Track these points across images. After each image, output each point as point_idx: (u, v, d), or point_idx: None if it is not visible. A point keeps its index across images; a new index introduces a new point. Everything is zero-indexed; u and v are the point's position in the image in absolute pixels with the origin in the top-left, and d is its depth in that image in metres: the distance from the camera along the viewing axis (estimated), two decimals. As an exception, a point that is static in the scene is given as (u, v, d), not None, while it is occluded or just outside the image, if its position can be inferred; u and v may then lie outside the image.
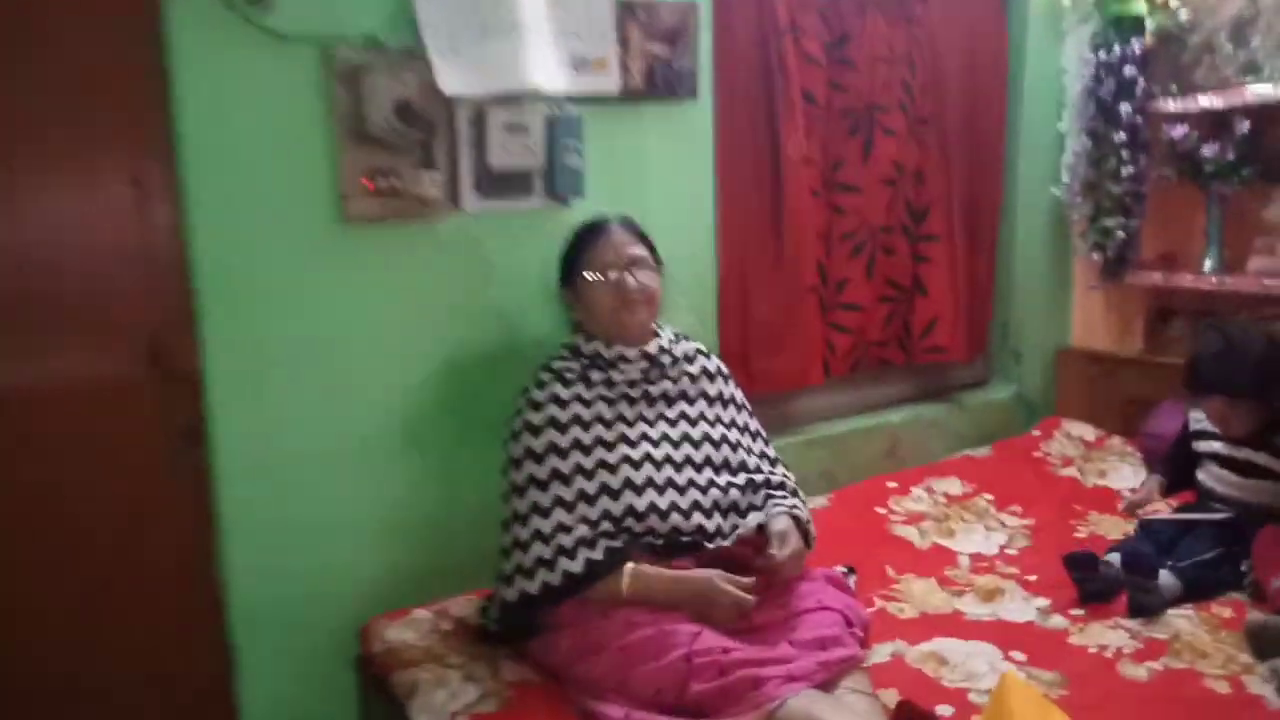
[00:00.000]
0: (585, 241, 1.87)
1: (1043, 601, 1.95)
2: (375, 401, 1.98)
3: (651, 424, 1.82)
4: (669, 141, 2.29)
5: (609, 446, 1.75)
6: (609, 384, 1.82)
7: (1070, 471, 2.72)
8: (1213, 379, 2.06)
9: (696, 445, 1.82)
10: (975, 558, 2.18)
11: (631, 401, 1.83)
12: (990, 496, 2.54)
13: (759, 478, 1.88)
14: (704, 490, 1.78)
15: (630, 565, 1.66)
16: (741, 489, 1.83)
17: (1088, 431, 2.94)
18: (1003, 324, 3.13)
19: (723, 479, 1.81)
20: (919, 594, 2.01)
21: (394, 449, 2.01)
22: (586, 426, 1.77)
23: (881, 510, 2.48)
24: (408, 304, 1.99)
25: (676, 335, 1.95)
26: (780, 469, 1.96)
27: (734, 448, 1.88)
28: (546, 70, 1.99)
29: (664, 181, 2.29)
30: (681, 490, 1.76)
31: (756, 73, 2.45)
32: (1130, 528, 2.27)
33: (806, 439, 2.71)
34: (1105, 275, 2.99)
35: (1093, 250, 2.97)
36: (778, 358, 2.58)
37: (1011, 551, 2.21)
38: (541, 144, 2.01)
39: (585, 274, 1.84)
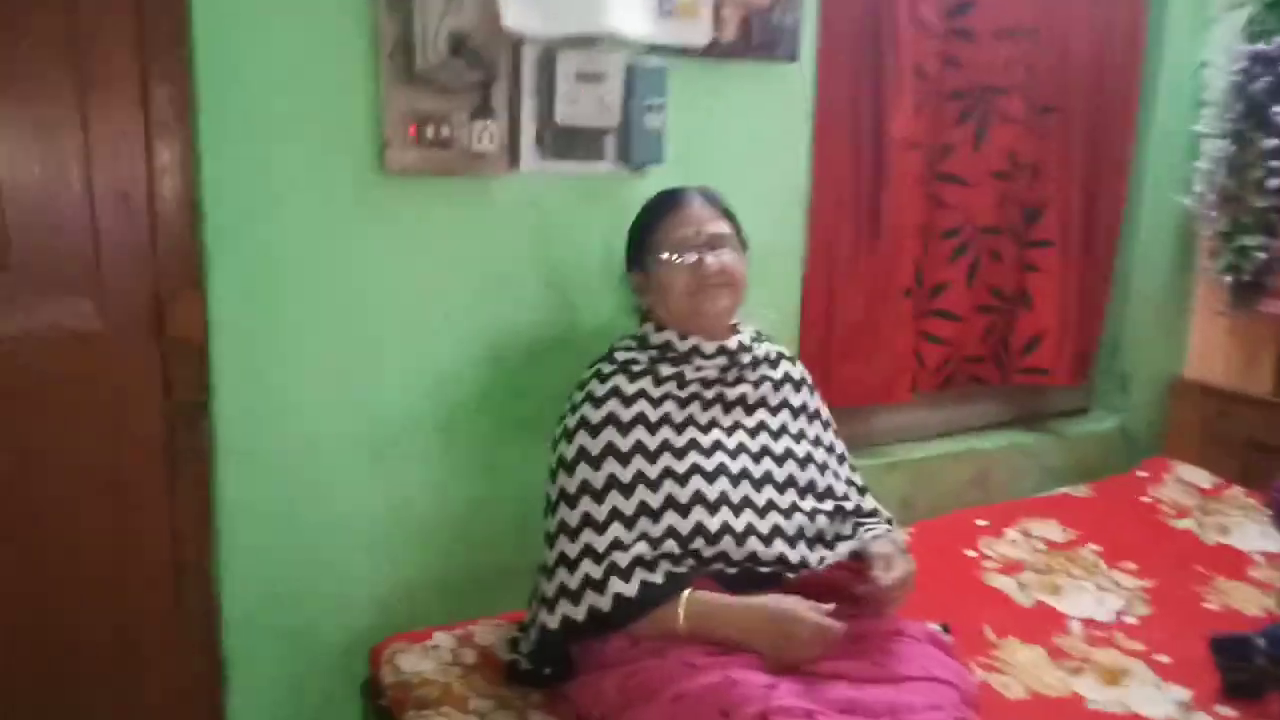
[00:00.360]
0: (659, 216, 1.59)
1: (1181, 692, 1.61)
2: (405, 384, 1.70)
3: (728, 432, 1.54)
4: (763, 109, 1.97)
5: (678, 454, 1.47)
6: (680, 381, 1.54)
7: (1186, 524, 2.36)
8: None
9: (779, 461, 1.54)
10: (1089, 624, 1.85)
11: (705, 404, 1.54)
12: (1097, 547, 2.20)
13: (849, 505, 1.59)
14: (786, 514, 1.49)
15: (687, 592, 1.37)
16: (830, 516, 1.54)
17: (1202, 478, 2.58)
18: (1112, 347, 2.77)
19: (808, 504, 1.53)
20: (1027, 666, 1.69)
21: (423, 441, 1.73)
22: (652, 428, 1.49)
23: (971, 553, 2.15)
24: (451, 274, 1.70)
25: (758, 334, 1.65)
26: (870, 498, 1.67)
27: (821, 469, 1.59)
28: (628, 11, 1.69)
29: (754, 155, 1.98)
30: (760, 512, 1.47)
31: (864, 36, 2.12)
32: (1270, 601, 1.93)
33: (885, 461, 2.39)
34: (1237, 300, 2.63)
35: (1226, 271, 2.61)
36: (863, 367, 2.26)
37: (1131, 620, 1.87)
38: (618, 99, 1.71)
39: (658, 253, 1.55)
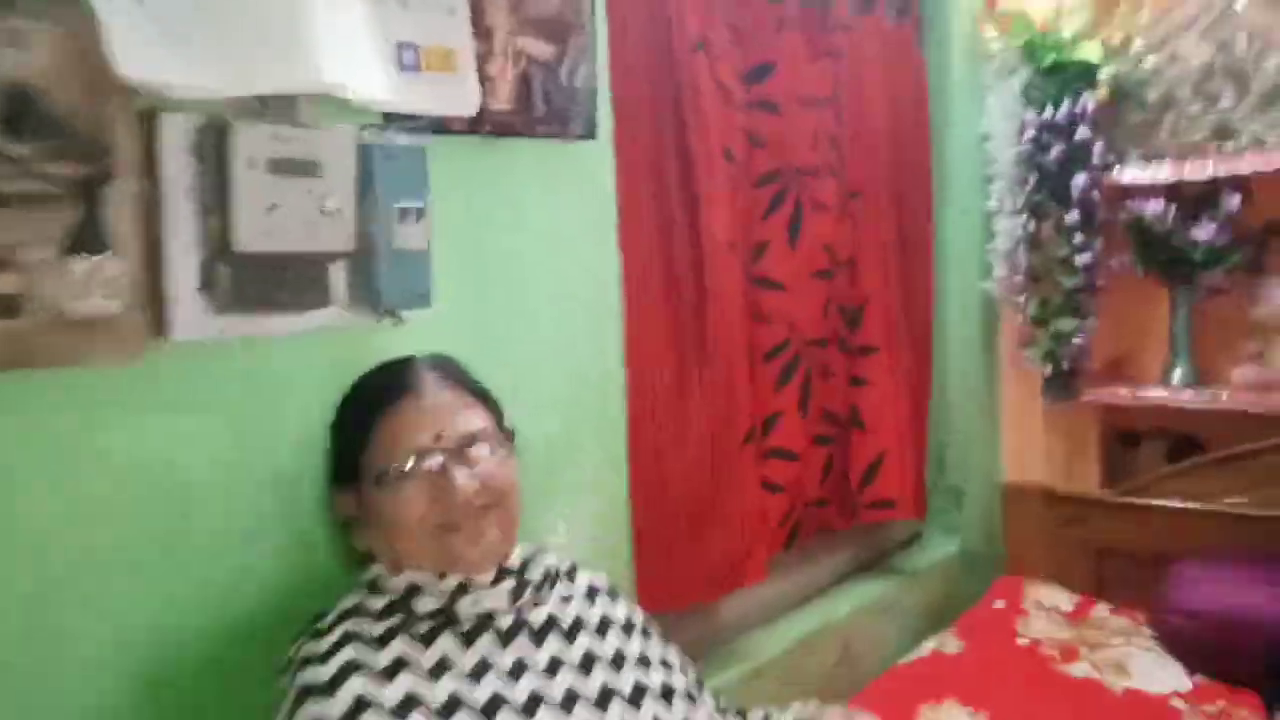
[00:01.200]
0: (374, 413, 0.98)
1: None
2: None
3: (547, 673, 0.97)
4: (558, 208, 1.33)
5: (483, 713, 0.90)
6: (450, 621, 0.95)
7: (1080, 669, 1.97)
8: None
9: (634, 703, 1.00)
10: None
11: (502, 637, 0.97)
12: (1021, 732, 1.73)
13: None
14: None
15: None
16: None
17: (1061, 599, 2.25)
18: (937, 459, 2.40)
19: None
20: None
21: None
22: (431, 676, 0.90)
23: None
24: (56, 550, 0.87)
25: (537, 550, 1.09)
26: (756, 712, 1.22)
27: (687, 700, 1.07)
28: (349, 57, 1.00)
29: (552, 276, 1.33)
30: None
31: (662, 107, 1.57)
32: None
33: (736, 667, 1.77)
34: (1057, 391, 2.35)
35: (1043, 360, 2.33)
36: (708, 549, 1.65)
37: None
38: (350, 202, 0.99)
39: (377, 470, 0.95)
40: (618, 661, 1.02)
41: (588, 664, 0.99)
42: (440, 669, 0.90)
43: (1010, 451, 2.54)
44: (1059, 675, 1.96)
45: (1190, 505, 2.17)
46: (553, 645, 0.99)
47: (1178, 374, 2.28)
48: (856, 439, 2.08)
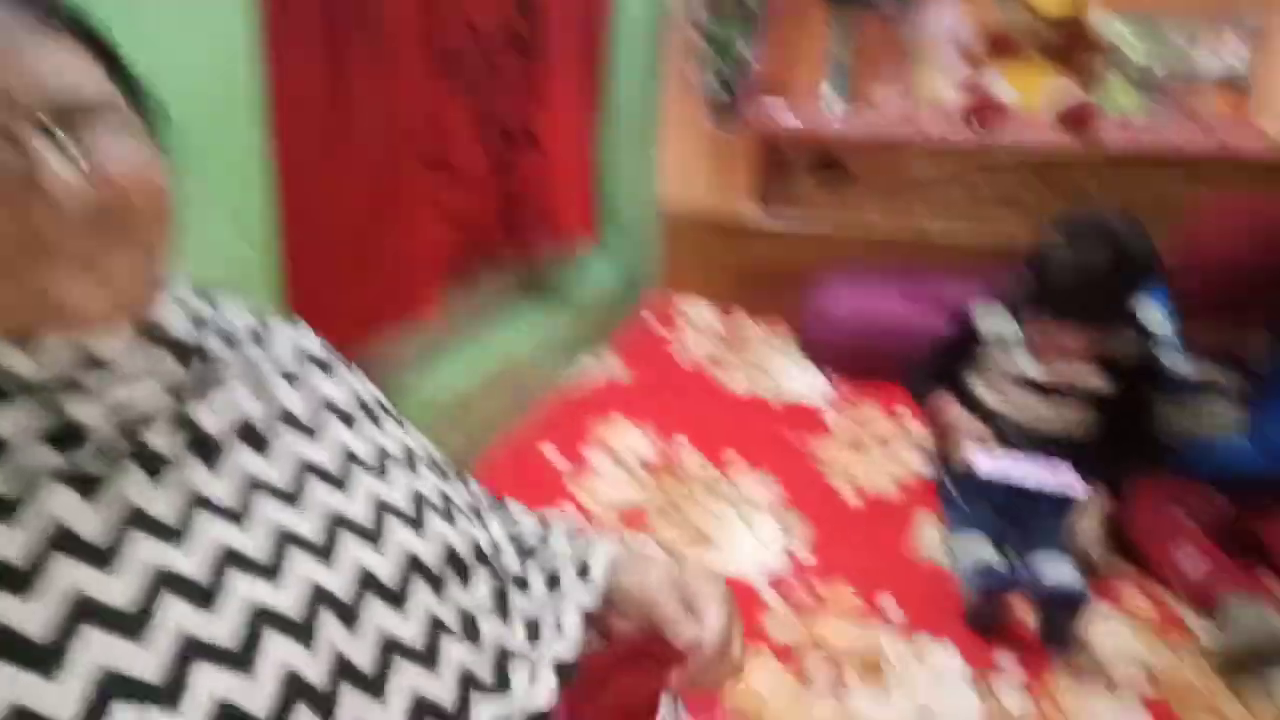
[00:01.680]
0: None
1: (957, 663, 1.26)
2: None
3: (239, 512, 0.56)
4: None
5: (130, 625, 0.48)
6: (59, 445, 0.51)
7: (730, 378, 2.07)
8: (1093, 305, 1.44)
9: (372, 534, 0.61)
10: (776, 584, 1.40)
11: (155, 465, 0.54)
12: (694, 451, 1.76)
13: (507, 561, 0.72)
14: (428, 659, 0.60)
15: None
16: (503, 617, 0.67)
17: (709, 313, 2.36)
18: (602, 182, 2.28)
19: (460, 600, 0.63)
20: (783, 708, 1.18)
21: None
22: (23, 581, 0.46)
23: (569, 507, 1.56)
24: None
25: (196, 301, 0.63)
26: (518, 511, 0.82)
27: (445, 514, 0.67)
28: None
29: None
30: (376, 687, 0.56)
31: None
32: (894, 462, 1.72)
33: (406, 411, 1.59)
34: (722, 113, 2.30)
35: (713, 81, 2.24)
36: (373, 283, 1.42)
37: (805, 555, 1.48)
38: None
39: None
40: (344, 469, 0.64)
41: (300, 480, 0.61)
42: (42, 558, 0.49)
43: (669, 175, 2.49)
44: (713, 386, 2.05)
45: (835, 227, 2.28)
46: (243, 460, 0.59)
47: (833, 99, 2.31)
48: (531, 161, 1.88)
